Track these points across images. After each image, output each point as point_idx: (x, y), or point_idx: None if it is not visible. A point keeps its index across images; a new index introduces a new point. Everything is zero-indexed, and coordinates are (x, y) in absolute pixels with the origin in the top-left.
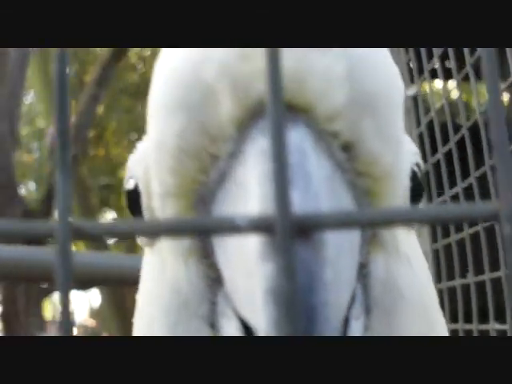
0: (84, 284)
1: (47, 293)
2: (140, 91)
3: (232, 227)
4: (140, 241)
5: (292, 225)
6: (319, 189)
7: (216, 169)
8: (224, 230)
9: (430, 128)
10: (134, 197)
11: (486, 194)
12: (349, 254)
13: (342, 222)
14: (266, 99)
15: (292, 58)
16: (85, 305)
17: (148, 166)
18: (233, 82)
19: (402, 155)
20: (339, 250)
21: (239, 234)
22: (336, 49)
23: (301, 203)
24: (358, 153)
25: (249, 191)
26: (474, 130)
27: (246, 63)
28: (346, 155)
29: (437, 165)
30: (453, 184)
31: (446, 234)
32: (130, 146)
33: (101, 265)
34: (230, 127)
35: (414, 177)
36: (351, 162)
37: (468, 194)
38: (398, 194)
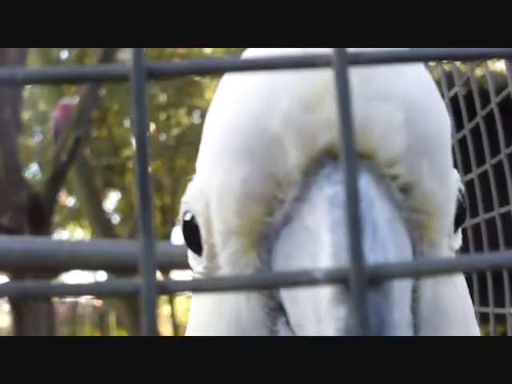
0: (95, 269)
1: (56, 274)
2: None
3: (310, 280)
4: (195, 267)
5: (366, 277)
6: (385, 235)
7: (281, 211)
8: (302, 283)
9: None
10: (190, 229)
11: None
12: (407, 289)
13: (410, 272)
14: (332, 148)
15: (355, 107)
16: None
17: (208, 203)
18: (298, 133)
19: (452, 188)
20: (402, 291)
21: (316, 287)
22: (396, 97)
23: (371, 252)
24: (415, 193)
25: (319, 238)
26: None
27: (311, 114)
28: (404, 195)
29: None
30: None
31: None
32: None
33: (110, 252)
34: (295, 174)
35: (458, 204)
36: (408, 201)
37: (497, 171)
38: (447, 225)
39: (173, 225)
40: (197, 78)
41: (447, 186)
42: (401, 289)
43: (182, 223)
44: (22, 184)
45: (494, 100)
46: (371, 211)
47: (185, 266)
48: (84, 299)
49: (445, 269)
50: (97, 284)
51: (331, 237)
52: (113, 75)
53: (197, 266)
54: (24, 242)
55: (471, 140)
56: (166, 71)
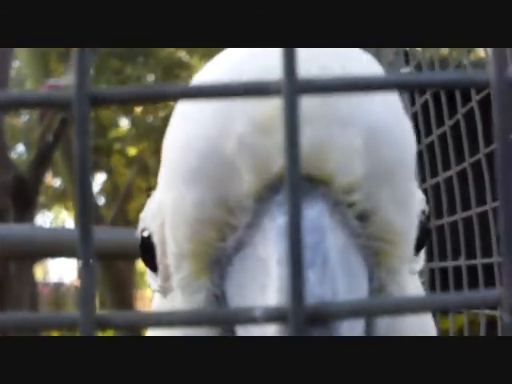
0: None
1: (40, 261)
2: (128, 52)
3: (249, 319)
4: (152, 285)
5: (306, 316)
6: (336, 267)
7: (233, 237)
8: (242, 321)
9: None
10: (147, 246)
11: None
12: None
13: (355, 311)
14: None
15: (313, 131)
16: (74, 265)
17: (163, 222)
18: (252, 156)
19: (414, 215)
20: (351, 323)
21: (256, 324)
22: (356, 121)
23: (318, 285)
24: (372, 220)
25: (269, 269)
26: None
27: (266, 137)
28: (361, 223)
29: (431, 145)
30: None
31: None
32: (119, 108)
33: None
34: (248, 200)
35: (421, 227)
36: (365, 228)
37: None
38: (408, 251)
39: None
40: (185, 59)
41: (408, 213)
42: (350, 322)
43: (140, 239)
44: (8, 164)
45: (475, 98)
46: (321, 244)
47: None
48: (68, 280)
49: (396, 309)
50: (38, 317)
51: (278, 269)
52: (55, 101)
53: (153, 283)
54: (7, 229)
55: (450, 134)
56: (110, 98)
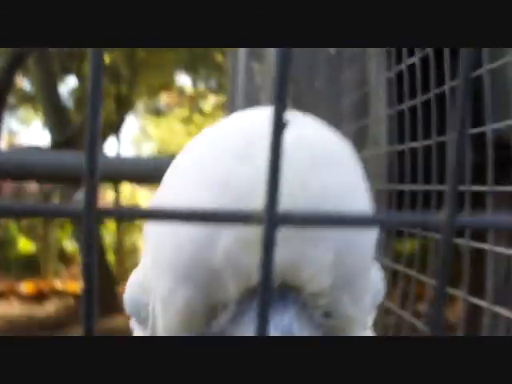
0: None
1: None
2: None
3: None
4: (136, 331)
5: None
6: None
7: (217, 324)
8: None
9: None
10: (135, 305)
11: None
12: None
13: None
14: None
15: (289, 248)
16: None
17: (153, 300)
18: (236, 271)
19: (370, 297)
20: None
21: None
22: (328, 240)
23: None
24: (334, 315)
25: None
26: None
27: (250, 254)
28: (324, 318)
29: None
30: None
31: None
32: None
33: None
34: (231, 301)
35: (375, 299)
36: (327, 321)
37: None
38: (362, 325)
39: (126, 112)
40: None
41: (364, 304)
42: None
43: (127, 301)
44: None
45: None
46: None
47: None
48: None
49: None
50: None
51: None
52: (66, 214)
53: (139, 331)
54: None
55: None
56: (115, 215)
